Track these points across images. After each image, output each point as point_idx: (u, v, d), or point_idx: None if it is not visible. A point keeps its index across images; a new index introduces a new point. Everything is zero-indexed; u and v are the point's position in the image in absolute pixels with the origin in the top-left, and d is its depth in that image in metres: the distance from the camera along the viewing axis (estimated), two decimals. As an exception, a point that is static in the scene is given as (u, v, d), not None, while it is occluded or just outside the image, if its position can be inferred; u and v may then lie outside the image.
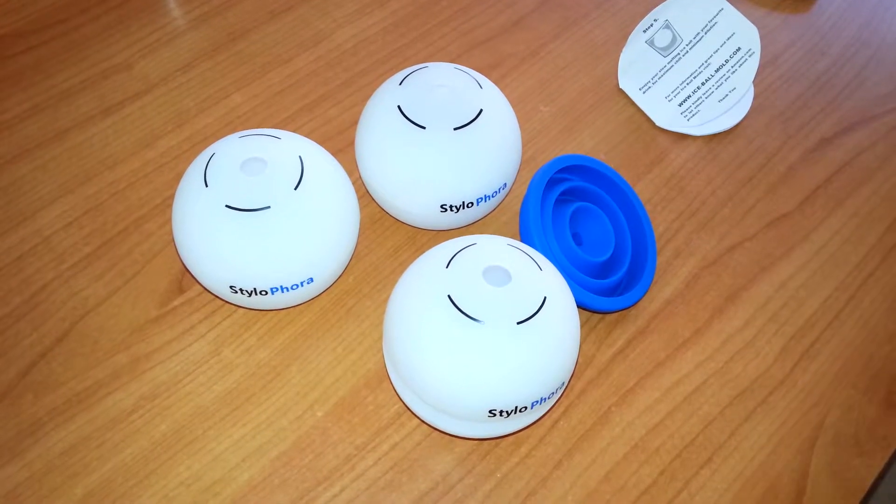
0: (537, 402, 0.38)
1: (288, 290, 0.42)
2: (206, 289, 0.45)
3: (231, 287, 0.42)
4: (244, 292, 0.42)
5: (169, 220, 0.49)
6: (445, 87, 0.45)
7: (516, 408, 0.37)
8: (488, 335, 0.36)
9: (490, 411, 0.37)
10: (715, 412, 0.44)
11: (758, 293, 0.48)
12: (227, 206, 0.40)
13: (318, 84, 0.56)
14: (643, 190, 0.52)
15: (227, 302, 0.46)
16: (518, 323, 0.36)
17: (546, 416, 0.43)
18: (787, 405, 0.44)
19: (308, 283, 0.42)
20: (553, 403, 0.41)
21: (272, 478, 0.41)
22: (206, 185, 0.41)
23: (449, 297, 0.37)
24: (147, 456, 0.41)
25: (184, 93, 0.56)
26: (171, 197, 0.45)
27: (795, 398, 0.45)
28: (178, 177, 0.43)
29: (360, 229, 0.46)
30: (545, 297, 0.37)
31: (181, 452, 0.42)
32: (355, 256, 0.47)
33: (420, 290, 0.38)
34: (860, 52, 0.61)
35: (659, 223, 0.50)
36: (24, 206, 0.50)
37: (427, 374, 0.37)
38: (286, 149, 0.42)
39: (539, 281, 0.38)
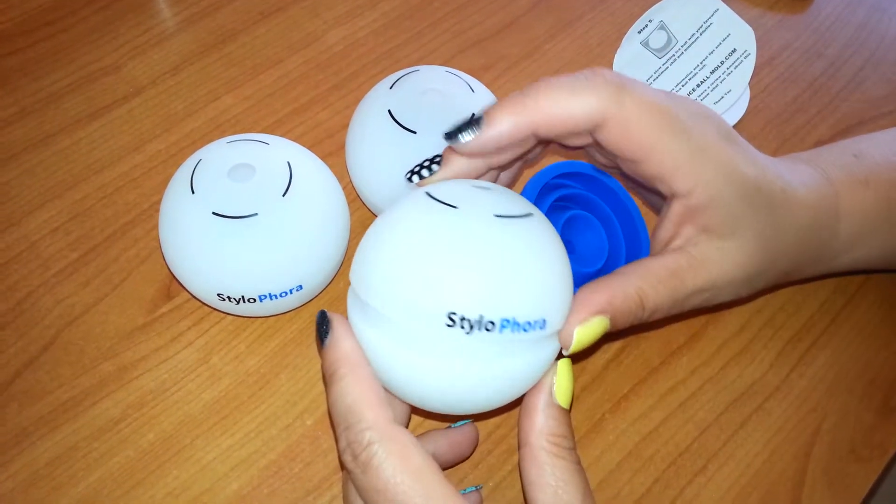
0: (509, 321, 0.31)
1: (277, 297, 0.41)
2: (193, 296, 0.45)
3: (219, 295, 0.41)
4: (232, 300, 0.41)
5: (156, 226, 0.48)
6: (436, 91, 0.44)
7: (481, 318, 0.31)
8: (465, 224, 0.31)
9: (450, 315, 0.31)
10: (710, 419, 0.43)
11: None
12: (213, 213, 0.39)
13: (309, 87, 0.56)
14: (637, 193, 0.51)
15: (215, 309, 0.45)
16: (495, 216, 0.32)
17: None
18: (783, 411, 0.44)
19: (297, 290, 0.42)
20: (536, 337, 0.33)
21: (261, 487, 0.40)
22: (193, 192, 0.40)
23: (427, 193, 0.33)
24: (134, 466, 0.41)
25: (173, 95, 0.55)
26: (159, 202, 0.44)
27: (791, 404, 0.44)
28: (167, 181, 0.43)
29: (350, 235, 0.45)
30: (530, 213, 0.34)
31: (169, 462, 0.41)
32: (345, 262, 0.47)
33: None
34: (857, 53, 0.60)
35: (653, 227, 0.50)
36: (9, 212, 0.49)
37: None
38: (274, 154, 0.42)
39: None
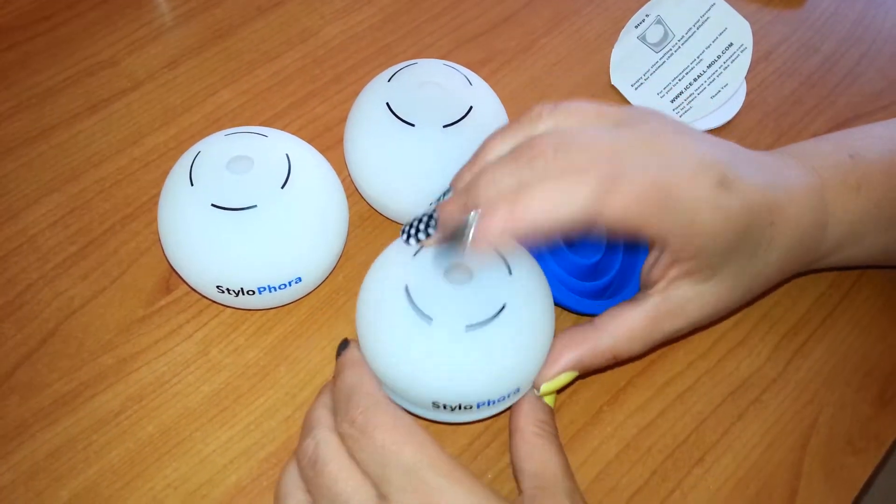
0: None
1: (276, 289, 0.41)
2: (193, 288, 0.45)
3: (218, 287, 0.41)
4: (231, 292, 0.41)
5: (155, 219, 0.48)
6: (434, 84, 0.44)
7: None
8: (438, 335, 0.36)
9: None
10: (707, 411, 0.44)
11: (750, 291, 0.48)
12: (212, 205, 0.39)
13: (307, 81, 0.56)
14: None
15: (214, 302, 0.46)
16: (468, 327, 0.36)
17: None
18: (780, 404, 0.44)
19: (296, 282, 0.42)
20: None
21: (261, 479, 0.41)
22: (192, 184, 0.40)
23: (405, 288, 0.37)
24: (134, 458, 0.41)
25: (171, 90, 0.55)
26: (158, 195, 0.44)
27: (788, 396, 0.44)
28: (165, 174, 0.43)
29: (349, 227, 0.45)
30: (504, 305, 0.37)
31: (168, 454, 0.41)
32: (344, 255, 0.47)
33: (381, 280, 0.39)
34: (853, 48, 0.60)
35: (651, 220, 0.50)
36: (8, 205, 0.49)
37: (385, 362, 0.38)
38: (273, 147, 0.42)
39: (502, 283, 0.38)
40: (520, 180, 0.34)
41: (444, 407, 0.37)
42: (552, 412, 0.40)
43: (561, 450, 0.38)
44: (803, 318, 0.47)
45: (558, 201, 0.33)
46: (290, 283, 0.42)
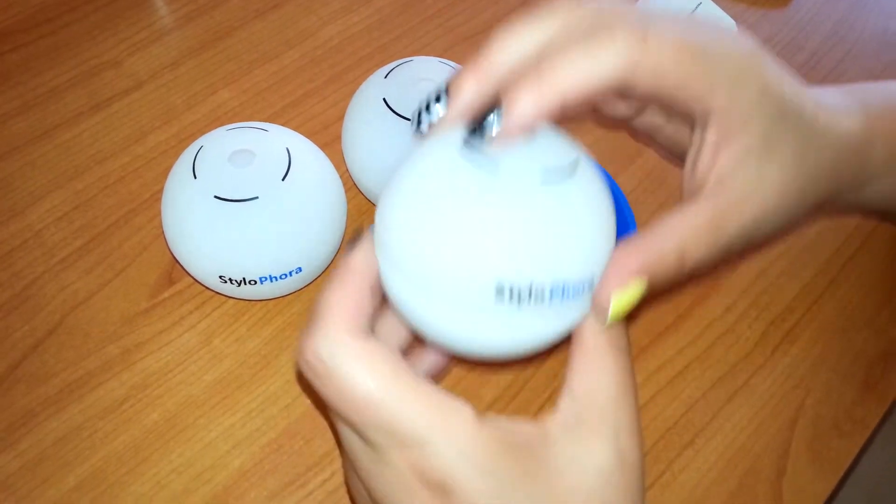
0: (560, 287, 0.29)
1: (277, 279, 0.43)
2: (196, 280, 0.46)
3: (220, 277, 0.42)
4: (233, 282, 0.42)
5: (158, 214, 0.49)
6: (430, 80, 0.46)
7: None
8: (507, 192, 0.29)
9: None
10: (697, 395, 0.45)
11: (739, 280, 0.49)
12: (215, 196, 0.40)
13: (305, 80, 0.57)
14: (626, 181, 0.53)
15: (216, 293, 0.47)
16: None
17: (532, 401, 0.44)
18: (768, 388, 0.45)
19: (297, 272, 0.43)
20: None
21: (263, 464, 0.42)
22: (195, 177, 0.41)
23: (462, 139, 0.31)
24: (139, 444, 0.42)
25: (172, 89, 0.56)
26: (161, 191, 0.45)
27: (776, 381, 0.46)
28: (168, 171, 0.44)
29: (347, 221, 0.46)
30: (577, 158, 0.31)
31: (173, 440, 0.42)
32: (343, 246, 0.48)
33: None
34: (837, 46, 0.62)
35: (642, 213, 0.51)
36: (14, 202, 0.50)
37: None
38: (273, 141, 0.43)
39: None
40: (538, 43, 0.31)
41: (511, 295, 0.29)
42: (625, 328, 0.32)
43: (626, 371, 0.31)
44: (790, 306, 0.48)
45: (588, 65, 0.30)
46: (290, 273, 0.43)
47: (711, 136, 0.33)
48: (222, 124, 0.54)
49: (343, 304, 0.30)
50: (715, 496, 0.42)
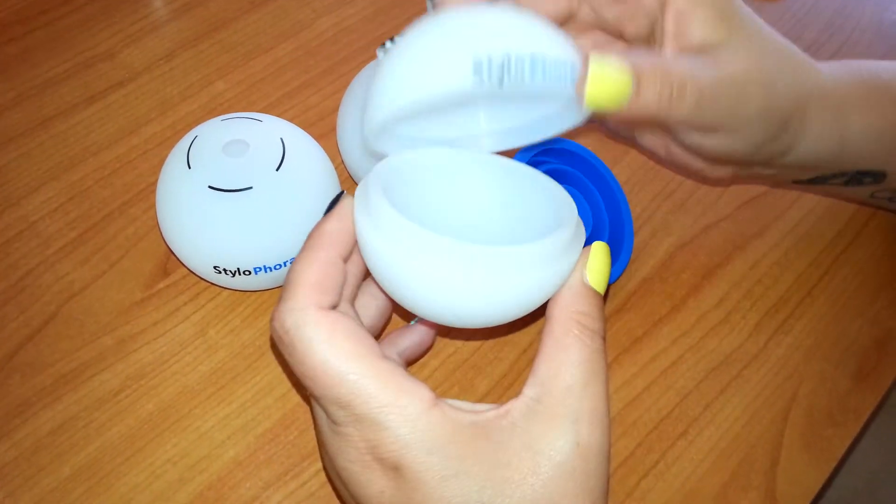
0: None
1: (271, 269, 0.43)
2: (191, 271, 0.46)
3: (215, 268, 0.42)
4: (228, 272, 0.42)
5: (153, 205, 0.49)
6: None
7: None
8: None
9: None
10: (691, 386, 0.45)
11: (733, 271, 0.49)
12: (209, 186, 0.41)
13: (300, 72, 0.57)
14: (620, 172, 0.53)
15: (211, 284, 0.47)
16: None
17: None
18: (761, 378, 0.45)
19: (291, 262, 0.43)
20: None
21: (258, 454, 0.42)
22: (189, 167, 0.41)
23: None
24: (134, 434, 0.42)
25: (167, 81, 0.56)
26: (156, 182, 0.46)
27: (769, 371, 0.46)
28: (163, 162, 0.44)
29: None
30: None
31: (168, 431, 0.42)
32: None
33: None
34: (833, 37, 0.62)
35: (636, 204, 0.51)
36: (9, 193, 0.50)
37: None
38: (267, 131, 0.43)
39: None
40: None
41: (490, 69, 0.29)
42: (599, 304, 0.32)
43: (594, 355, 0.30)
44: (784, 296, 0.48)
45: None
46: (285, 264, 0.43)
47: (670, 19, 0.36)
48: (217, 115, 0.54)
49: (310, 274, 0.31)
50: (708, 486, 0.42)
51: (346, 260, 0.32)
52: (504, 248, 0.29)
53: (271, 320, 0.31)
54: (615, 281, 0.47)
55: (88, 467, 0.41)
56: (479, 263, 0.29)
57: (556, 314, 0.31)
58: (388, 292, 0.33)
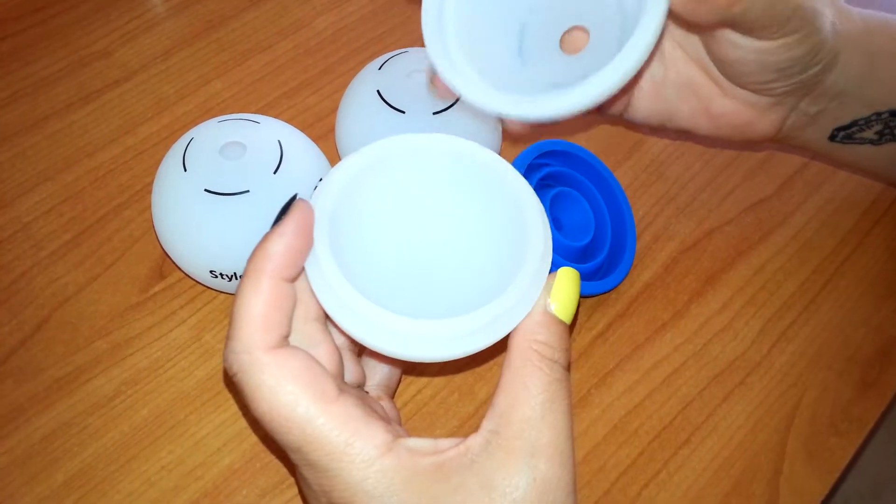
0: None
1: (268, 274, 0.42)
2: (186, 274, 0.45)
3: (211, 272, 0.42)
4: (224, 276, 0.42)
5: (149, 207, 0.49)
6: (424, 72, 0.45)
7: None
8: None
9: None
10: (693, 393, 0.44)
11: (736, 276, 0.49)
12: (206, 190, 0.40)
13: (298, 71, 0.56)
14: (623, 175, 0.52)
15: (207, 287, 0.46)
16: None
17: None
18: (765, 386, 0.45)
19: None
20: None
21: (254, 461, 0.41)
22: (185, 170, 0.41)
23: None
24: (128, 441, 0.42)
25: (163, 80, 0.56)
26: (151, 184, 0.45)
27: (772, 379, 0.45)
28: (159, 163, 0.43)
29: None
30: None
31: (163, 437, 0.42)
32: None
33: None
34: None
35: (639, 208, 0.51)
36: (2, 193, 0.50)
37: None
38: (265, 133, 0.42)
39: None
40: None
41: None
42: (562, 333, 0.31)
43: (553, 386, 0.29)
44: (787, 303, 0.48)
45: None
46: (282, 268, 0.42)
47: None
48: (214, 115, 0.53)
49: (253, 308, 0.29)
50: (711, 495, 0.42)
51: (294, 279, 0.31)
52: (449, 320, 0.29)
53: (223, 359, 0.30)
54: (617, 286, 0.47)
55: (82, 474, 0.41)
56: (427, 335, 0.29)
57: (516, 343, 0.30)
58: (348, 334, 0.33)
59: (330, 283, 0.30)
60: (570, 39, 0.39)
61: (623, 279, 0.47)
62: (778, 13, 0.37)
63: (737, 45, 0.39)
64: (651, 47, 0.33)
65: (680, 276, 0.48)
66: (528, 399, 0.29)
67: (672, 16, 0.35)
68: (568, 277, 0.31)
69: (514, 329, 0.31)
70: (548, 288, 0.31)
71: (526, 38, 0.39)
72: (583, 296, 0.46)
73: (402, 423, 0.39)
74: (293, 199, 0.31)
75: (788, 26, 0.38)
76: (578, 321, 0.46)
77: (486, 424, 0.29)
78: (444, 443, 0.30)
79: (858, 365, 0.46)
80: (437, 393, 0.44)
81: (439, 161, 0.34)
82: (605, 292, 0.46)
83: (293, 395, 0.28)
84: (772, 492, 0.42)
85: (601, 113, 0.46)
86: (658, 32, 0.33)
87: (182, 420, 0.42)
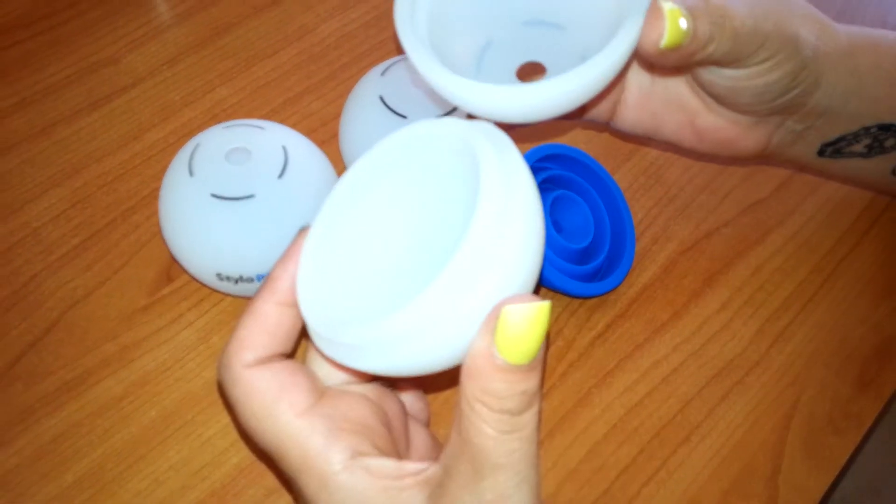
0: None
1: (273, 277, 0.43)
2: (193, 277, 0.46)
3: (218, 275, 0.42)
4: (230, 279, 0.42)
5: (156, 212, 0.49)
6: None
7: None
8: None
9: None
10: (692, 392, 0.45)
11: (734, 277, 0.49)
12: (212, 194, 0.41)
13: (302, 77, 0.57)
14: (622, 178, 0.53)
15: (214, 290, 0.47)
16: None
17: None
18: (763, 385, 0.45)
19: (293, 270, 0.43)
20: None
21: (260, 461, 0.42)
22: (192, 175, 0.41)
23: None
24: (137, 441, 0.42)
25: (170, 86, 0.56)
26: (158, 188, 0.46)
27: (771, 378, 0.46)
28: (166, 168, 0.44)
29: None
30: None
31: (171, 438, 0.42)
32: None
33: None
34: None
35: (637, 210, 0.51)
36: (11, 199, 0.51)
37: None
38: (270, 138, 0.43)
39: None
40: None
41: None
42: (512, 376, 0.26)
43: (499, 447, 0.27)
44: (785, 303, 0.48)
45: None
46: (287, 271, 0.43)
47: None
48: (220, 121, 0.54)
49: (244, 327, 0.32)
50: (710, 493, 0.42)
51: (292, 303, 0.33)
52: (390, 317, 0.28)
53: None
54: (616, 287, 0.47)
55: (91, 474, 0.41)
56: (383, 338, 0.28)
57: (462, 387, 0.27)
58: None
59: (301, 309, 0.32)
60: (529, 70, 0.40)
61: (622, 280, 0.47)
62: (743, 47, 0.37)
63: (710, 70, 0.39)
64: (604, 79, 0.33)
65: (679, 277, 0.49)
66: (470, 456, 0.27)
67: (640, 59, 0.35)
68: (521, 315, 0.26)
69: (463, 366, 0.28)
70: (488, 328, 0.27)
71: (487, 54, 0.39)
72: (583, 297, 0.47)
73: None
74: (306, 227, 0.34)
75: (758, 56, 0.38)
76: (578, 321, 0.47)
77: (443, 460, 0.29)
78: (410, 467, 0.30)
79: (857, 363, 0.47)
80: (439, 393, 0.44)
81: (430, 156, 0.35)
82: (604, 293, 0.47)
83: (262, 411, 0.31)
84: (771, 490, 0.42)
85: (578, 118, 0.46)
86: (614, 69, 0.33)
87: (189, 420, 0.43)
